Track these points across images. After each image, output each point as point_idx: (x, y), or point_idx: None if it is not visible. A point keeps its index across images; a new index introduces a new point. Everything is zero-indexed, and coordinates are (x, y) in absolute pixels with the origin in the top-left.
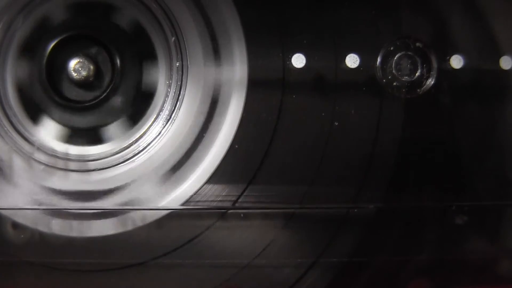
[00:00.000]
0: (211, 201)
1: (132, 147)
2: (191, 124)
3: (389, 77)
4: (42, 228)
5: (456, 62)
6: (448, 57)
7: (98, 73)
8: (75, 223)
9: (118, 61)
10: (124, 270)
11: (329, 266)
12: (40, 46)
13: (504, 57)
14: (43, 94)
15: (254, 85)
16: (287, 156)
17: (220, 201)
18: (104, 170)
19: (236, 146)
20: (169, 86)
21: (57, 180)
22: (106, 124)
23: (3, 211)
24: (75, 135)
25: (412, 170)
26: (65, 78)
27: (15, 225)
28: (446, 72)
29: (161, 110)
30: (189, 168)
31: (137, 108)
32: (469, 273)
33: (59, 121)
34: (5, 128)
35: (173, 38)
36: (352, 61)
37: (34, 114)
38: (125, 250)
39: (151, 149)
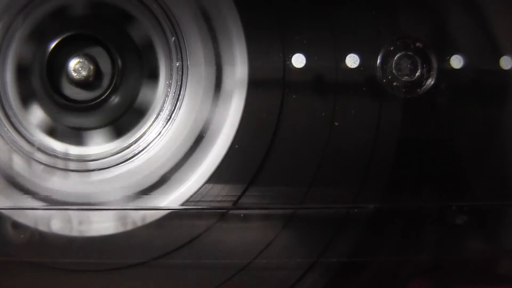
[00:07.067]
0: (211, 201)
1: (132, 147)
2: (191, 124)
3: (389, 77)
4: (42, 228)
5: (456, 62)
6: (448, 57)
7: (98, 73)
8: (75, 223)
9: (118, 61)
10: (124, 270)
11: (329, 266)
12: (40, 46)
13: (504, 57)
14: (43, 94)
15: (254, 85)
16: (287, 156)
17: (220, 201)
18: (104, 170)
19: (236, 146)
20: (169, 86)
21: (57, 180)
22: (106, 124)
23: (3, 211)
24: (75, 135)
25: (412, 170)
26: (65, 78)
27: (15, 225)
28: (446, 72)
29: (161, 110)
30: (189, 168)
31: (137, 108)
32: (469, 273)
33: (59, 121)
34: (5, 128)
35: (173, 38)
36: (352, 61)
37: (34, 114)
38: (125, 250)
39: (151, 149)
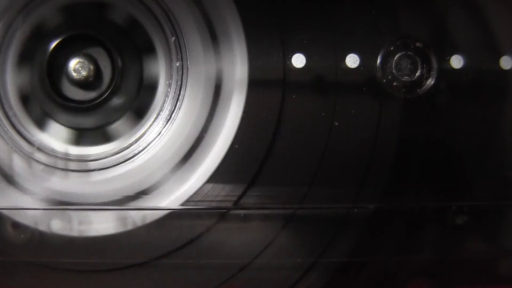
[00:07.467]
0: (211, 201)
1: (132, 147)
2: (191, 124)
3: (389, 77)
4: (42, 228)
5: (456, 62)
6: (448, 57)
7: (98, 73)
8: (75, 223)
9: (118, 61)
10: (124, 270)
11: (329, 266)
12: (40, 47)
13: (504, 57)
14: (43, 94)
15: (255, 85)
16: (287, 156)
17: (220, 201)
18: (104, 170)
19: (237, 146)
20: (169, 86)
21: (57, 180)
22: (106, 124)
23: (3, 211)
24: (75, 135)
25: (412, 170)
26: (65, 78)
27: (15, 225)
28: (446, 72)
29: (161, 110)
30: (189, 168)
31: (137, 108)
32: (469, 273)
33: (59, 121)
34: (5, 128)
35: (173, 38)
36: (352, 61)
37: (34, 114)
38: (125, 250)
39: (151, 149)
